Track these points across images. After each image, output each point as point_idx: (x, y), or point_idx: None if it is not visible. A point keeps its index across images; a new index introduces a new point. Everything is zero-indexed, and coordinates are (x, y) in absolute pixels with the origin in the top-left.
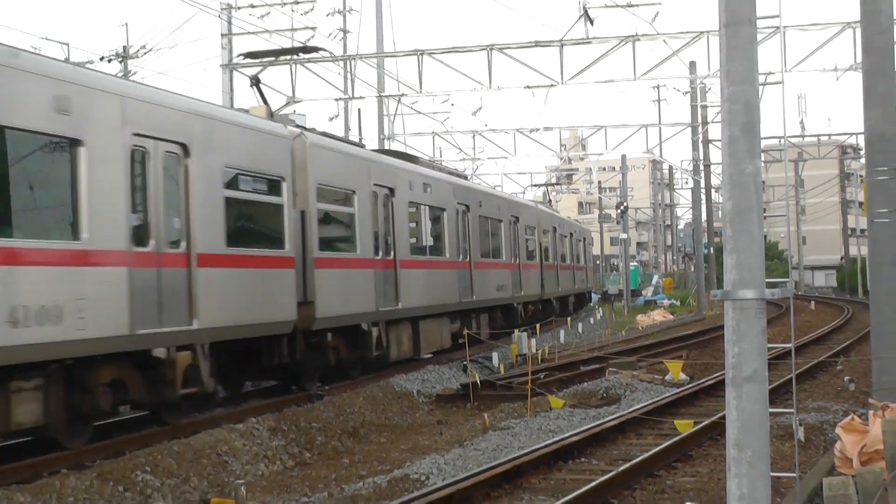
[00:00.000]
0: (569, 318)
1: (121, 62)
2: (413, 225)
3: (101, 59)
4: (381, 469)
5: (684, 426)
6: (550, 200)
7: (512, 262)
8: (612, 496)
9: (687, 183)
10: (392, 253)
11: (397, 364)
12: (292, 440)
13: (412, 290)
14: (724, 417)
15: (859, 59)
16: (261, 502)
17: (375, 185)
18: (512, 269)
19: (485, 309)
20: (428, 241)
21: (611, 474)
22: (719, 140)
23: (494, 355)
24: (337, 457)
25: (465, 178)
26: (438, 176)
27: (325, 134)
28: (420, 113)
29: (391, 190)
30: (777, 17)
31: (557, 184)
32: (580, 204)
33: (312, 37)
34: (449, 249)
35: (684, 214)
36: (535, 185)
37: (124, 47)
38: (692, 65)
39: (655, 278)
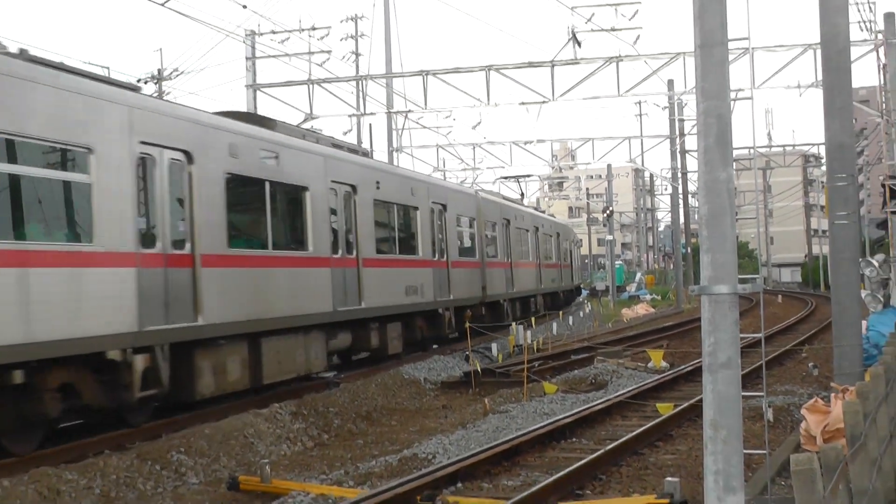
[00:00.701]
0: (561, 312)
1: (156, 83)
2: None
3: (139, 80)
4: (392, 449)
5: (665, 409)
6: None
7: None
8: (601, 472)
9: (666, 189)
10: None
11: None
12: (311, 423)
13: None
14: (701, 401)
15: (820, 77)
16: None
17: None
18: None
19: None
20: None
21: (599, 452)
22: (695, 150)
23: (493, 346)
24: (352, 438)
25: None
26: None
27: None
28: (425, 127)
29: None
30: (746, 38)
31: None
32: (570, 209)
33: (328, 59)
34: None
35: (664, 217)
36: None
37: (159, 70)
38: (670, 82)
39: (638, 275)
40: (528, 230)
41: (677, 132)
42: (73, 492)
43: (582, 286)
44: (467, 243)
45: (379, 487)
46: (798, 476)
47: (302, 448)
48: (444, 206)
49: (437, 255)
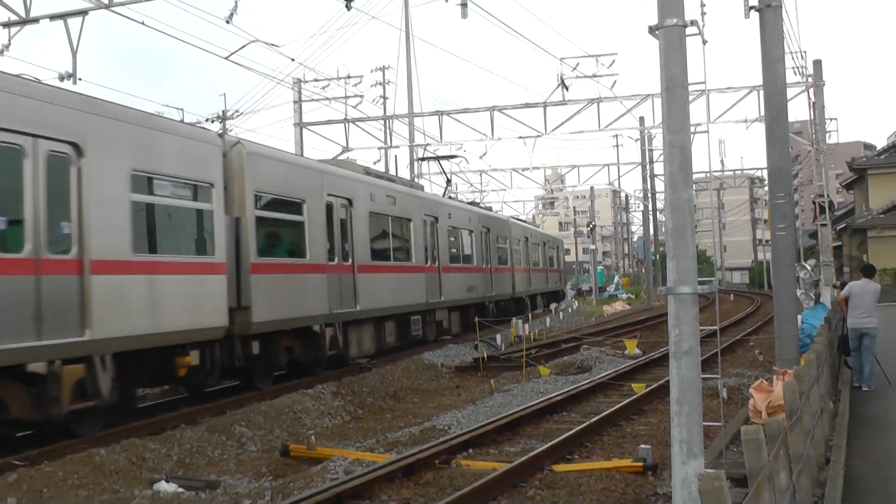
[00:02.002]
0: (544, 310)
1: (220, 122)
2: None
3: (206, 119)
4: (415, 421)
5: (639, 388)
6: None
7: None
8: (587, 440)
9: (638, 207)
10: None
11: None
12: (349, 401)
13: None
14: (668, 382)
15: (762, 113)
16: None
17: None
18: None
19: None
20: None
21: (585, 424)
22: (662, 174)
23: (498, 336)
24: (382, 413)
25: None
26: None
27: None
28: (441, 158)
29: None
30: (703, 83)
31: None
32: (560, 224)
33: (360, 102)
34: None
35: (637, 230)
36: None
37: (223, 111)
38: (641, 119)
39: (616, 278)
40: (539, 244)
41: (647, 160)
42: (155, 459)
43: (570, 287)
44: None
45: (404, 453)
46: (747, 444)
47: (341, 421)
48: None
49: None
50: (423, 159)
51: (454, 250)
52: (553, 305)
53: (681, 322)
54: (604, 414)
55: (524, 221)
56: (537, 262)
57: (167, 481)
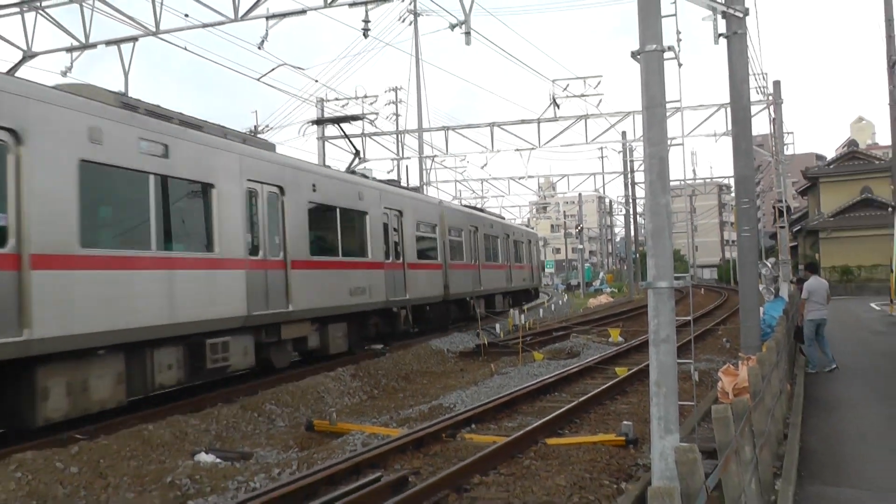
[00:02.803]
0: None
1: (254, 133)
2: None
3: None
4: (424, 400)
5: (622, 371)
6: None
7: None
8: (576, 417)
9: (621, 211)
10: None
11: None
12: (365, 382)
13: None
14: (648, 366)
15: (730, 128)
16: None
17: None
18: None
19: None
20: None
21: (574, 402)
22: (642, 182)
23: (497, 325)
24: (394, 393)
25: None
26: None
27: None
28: (447, 167)
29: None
30: (679, 101)
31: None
32: (552, 226)
33: (376, 119)
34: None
35: (619, 232)
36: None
37: (255, 126)
38: (623, 133)
39: (601, 274)
40: (498, 237)
41: (629, 169)
42: (195, 433)
43: (561, 282)
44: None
45: (415, 428)
46: (717, 422)
47: (358, 400)
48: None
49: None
50: (318, 121)
51: (322, 237)
52: (515, 311)
53: (659, 313)
54: (591, 394)
55: (478, 209)
56: (496, 256)
57: (206, 453)
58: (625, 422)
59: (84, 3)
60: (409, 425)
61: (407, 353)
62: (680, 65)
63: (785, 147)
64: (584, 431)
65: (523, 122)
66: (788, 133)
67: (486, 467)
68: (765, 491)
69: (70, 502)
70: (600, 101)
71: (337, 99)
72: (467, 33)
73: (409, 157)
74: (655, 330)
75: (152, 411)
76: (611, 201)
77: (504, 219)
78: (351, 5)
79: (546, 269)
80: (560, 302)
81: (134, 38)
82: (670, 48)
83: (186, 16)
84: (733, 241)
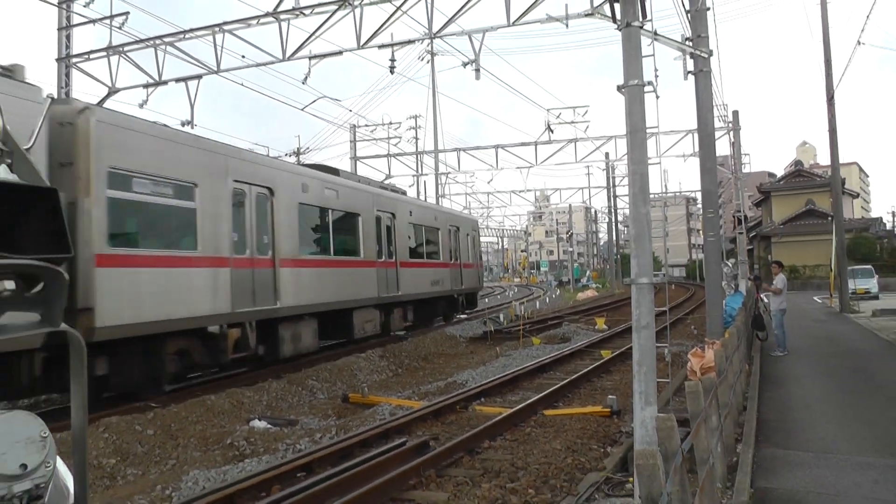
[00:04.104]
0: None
1: (296, 155)
2: None
3: (285, 154)
4: (440, 377)
5: (606, 353)
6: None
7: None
8: (568, 392)
9: (604, 219)
10: None
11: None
12: (391, 361)
13: None
14: (629, 349)
15: (696, 150)
16: (375, 395)
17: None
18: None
19: None
20: None
21: (568, 379)
22: (623, 195)
23: (501, 314)
24: (415, 371)
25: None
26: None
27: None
28: (458, 182)
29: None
30: (656, 127)
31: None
32: (546, 232)
33: (399, 141)
34: None
35: (603, 236)
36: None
37: (298, 148)
38: (606, 154)
39: (588, 272)
40: (354, 214)
41: (611, 184)
42: (250, 403)
43: (554, 278)
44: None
45: (433, 401)
46: (690, 395)
47: (385, 377)
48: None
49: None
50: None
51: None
52: (516, 302)
53: (640, 304)
54: (581, 372)
55: (391, 189)
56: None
57: (259, 420)
58: (610, 396)
59: (158, 48)
60: (429, 398)
61: (426, 338)
62: (657, 97)
63: (742, 166)
64: (576, 404)
65: (523, 144)
66: (745, 154)
67: (493, 434)
68: (728, 453)
69: (147, 458)
70: (587, 126)
71: (366, 125)
72: (477, 70)
73: (426, 174)
74: (637, 318)
75: (214, 383)
76: (596, 211)
77: (442, 207)
78: (380, 47)
79: (542, 269)
80: (553, 296)
81: (199, 76)
82: (649, 83)
83: (243, 57)
84: (699, 245)
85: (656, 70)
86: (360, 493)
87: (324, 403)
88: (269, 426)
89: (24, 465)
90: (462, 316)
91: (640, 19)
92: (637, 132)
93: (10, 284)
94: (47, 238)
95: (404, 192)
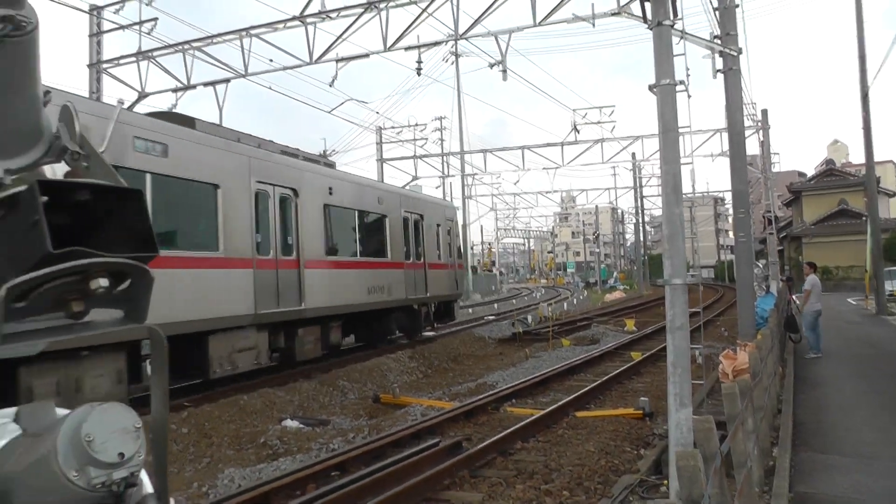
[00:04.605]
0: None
1: (323, 156)
2: None
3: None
4: (470, 379)
5: (636, 355)
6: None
7: None
8: (599, 394)
9: (631, 220)
10: None
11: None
12: (421, 362)
13: None
14: (659, 351)
15: (725, 149)
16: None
17: None
18: None
19: None
20: None
21: (598, 381)
22: (649, 196)
23: (529, 316)
24: (445, 372)
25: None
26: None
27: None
28: (484, 184)
29: None
30: (687, 126)
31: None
32: (573, 233)
33: (425, 143)
34: None
35: (629, 237)
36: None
37: (324, 150)
38: (633, 154)
39: (615, 273)
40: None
41: (638, 185)
42: (282, 403)
43: (580, 279)
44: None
45: (465, 401)
46: (727, 397)
47: (415, 378)
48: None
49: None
50: None
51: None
52: (544, 304)
53: (674, 305)
54: (611, 374)
55: (302, 157)
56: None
57: (291, 419)
58: (642, 398)
59: (186, 52)
60: (459, 399)
61: (454, 339)
62: (689, 96)
63: (772, 165)
64: (608, 406)
65: (549, 144)
66: (775, 153)
67: (525, 435)
68: (764, 456)
69: (182, 456)
70: (613, 127)
71: (393, 127)
72: (504, 71)
73: (453, 175)
74: (671, 319)
75: (247, 384)
76: (622, 212)
77: (392, 186)
78: (406, 49)
79: (568, 270)
80: (580, 297)
81: (227, 80)
82: (681, 82)
83: (271, 60)
84: (727, 246)
85: (688, 69)
86: (394, 493)
87: (355, 404)
88: (301, 426)
89: (121, 454)
90: (428, 333)
91: (672, 18)
92: (669, 131)
93: (104, 282)
94: (134, 238)
95: (331, 165)
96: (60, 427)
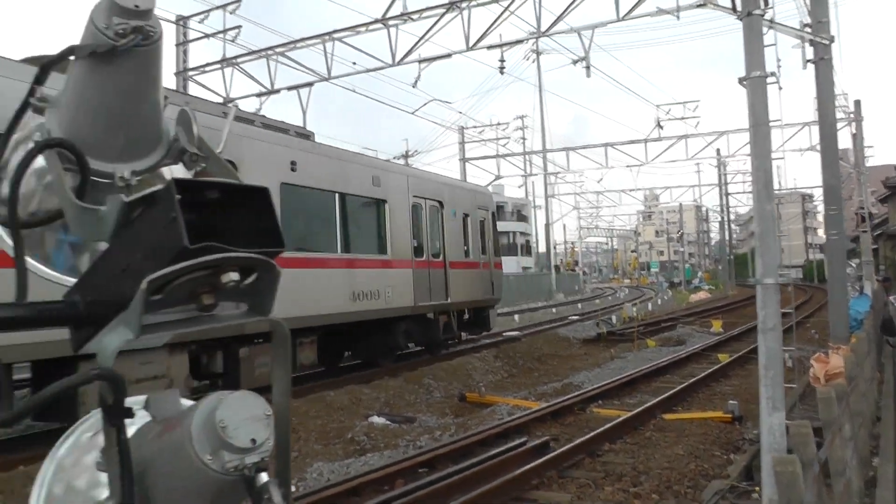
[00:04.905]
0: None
1: (404, 158)
2: None
3: (394, 157)
4: (555, 379)
5: (724, 357)
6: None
7: None
8: (687, 397)
9: (716, 218)
10: None
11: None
12: (506, 362)
13: None
14: (748, 353)
15: (815, 143)
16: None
17: None
18: None
19: None
20: None
21: (685, 383)
22: (735, 193)
23: (613, 316)
24: (530, 372)
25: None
26: None
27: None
28: (567, 182)
29: None
30: (779, 120)
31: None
32: (656, 232)
33: (508, 142)
34: None
35: (714, 236)
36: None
37: (406, 151)
38: (718, 150)
39: (699, 273)
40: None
41: (723, 182)
42: (368, 400)
43: (664, 279)
44: None
45: (551, 402)
46: (822, 402)
47: (500, 377)
48: None
49: None
50: None
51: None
52: (628, 304)
53: (766, 305)
54: (698, 377)
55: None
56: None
57: (378, 416)
58: (730, 401)
59: (270, 58)
60: (545, 399)
61: (539, 339)
62: (780, 88)
63: (865, 159)
64: (695, 408)
65: (632, 142)
66: (869, 147)
67: (613, 436)
68: (863, 466)
69: None
70: (698, 122)
71: (475, 127)
72: (587, 67)
73: (535, 174)
74: (763, 320)
75: (331, 381)
76: (707, 210)
77: (394, 164)
78: (489, 48)
79: (652, 269)
80: (665, 297)
81: (310, 84)
82: (772, 74)
83: (354, 63)
84: (816, 245)
85: (779, 60)
86: (482, 492)
87: (440, 402)
88: (388, 422)
89: (253, 440)
90: (447, 349)
91: (762, 7)
92: (760, 125)
93: (234, 276)
94: (261, 233)
95: (307, 136)
96: (193, 414)
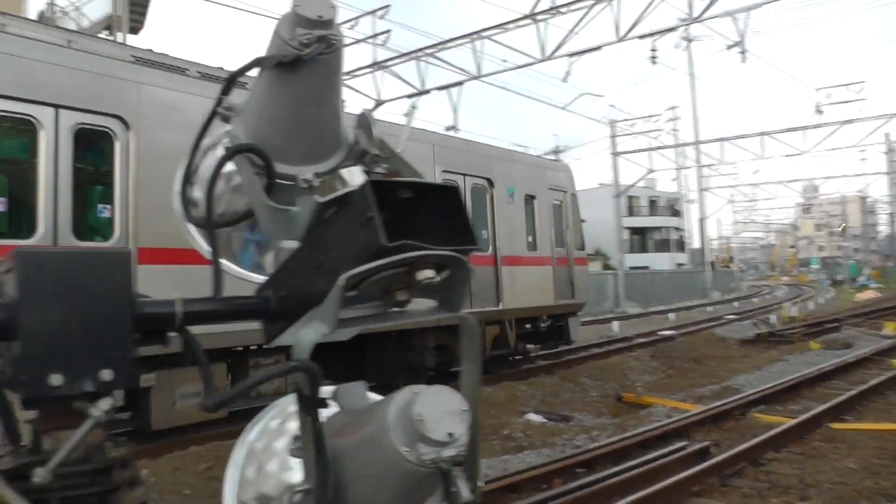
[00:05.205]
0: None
1: (554, 154)
2: None
3: (544, 153)
4: (714, 381)
5: None
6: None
7: None
8: (857, 403)
9: (884, 210)
10: None
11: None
12: (662, 362)
13: None
14: None
15: None
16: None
17: None
18: None
19: None
20: None
21: (855, 390)
22: None
23: (772, 316)
24: (687, 373)
25: None
26: None
27: None
28: (721, 174)
29: None
30: None
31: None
32: (815, 226)
33: (660, 134)
34: None
35: (882, 230)
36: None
37: (556, 147)
38: (886, 135)
39: (866, 270)
40: None
41: (893, 169)
42: (524, 397)
43: (826, 277)
44: None
45: (710, 405)
46: None
47: (657, 378)
48: None
49: None
50: None
51: None
52: (788, 303)
53: None
54: (870, 384)
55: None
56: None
57: (535, 413)
58: None
59: (419, 60)
60: (703, 402)
61: (696, 338)
62: None
63: None
64: (868, 419)
65: (790, 129)
66: None
67: (777, 445)
68: None
69: None
70: (862, 105)
71: (626, 119)
72: (742, 52)
73: (688, 167)
74: None
75: (487, 377)
76: (874, 201)
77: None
78: (640, 37)
79: (812, 266)
80: (827, 296)
81: (460, 83)
82: None
83: (504, 61)
84: None
85: None
86: (642, 496)
87: (596, 401)
88: (543, 420)
89: (450, 434)
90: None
91: None
92: None
93: (430, 273)
94: (453, 232)
95: None
96: (386, 407)
